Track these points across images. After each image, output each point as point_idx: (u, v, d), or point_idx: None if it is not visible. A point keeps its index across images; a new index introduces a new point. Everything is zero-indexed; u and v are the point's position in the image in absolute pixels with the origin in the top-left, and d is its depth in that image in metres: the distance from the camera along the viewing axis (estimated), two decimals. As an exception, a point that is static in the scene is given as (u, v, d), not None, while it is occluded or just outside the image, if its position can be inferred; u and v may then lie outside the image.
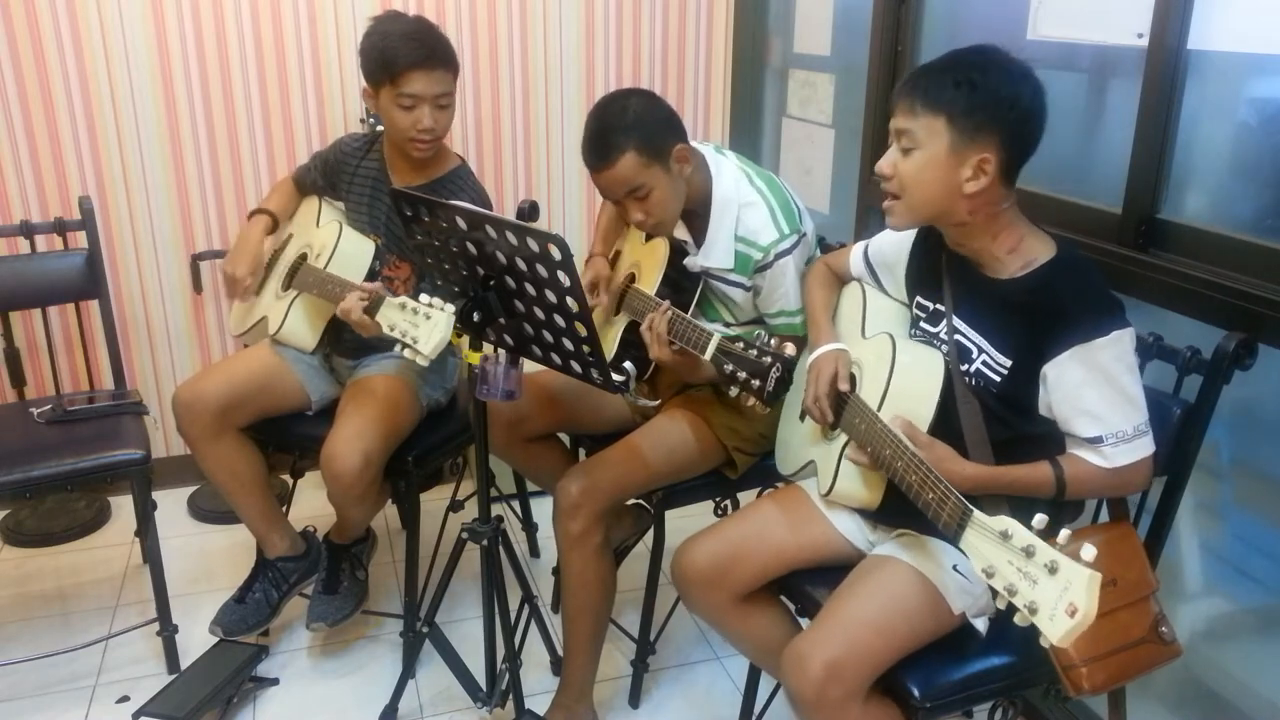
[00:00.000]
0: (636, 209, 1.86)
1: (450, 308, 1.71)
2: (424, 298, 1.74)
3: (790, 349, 1.56)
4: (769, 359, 1.55)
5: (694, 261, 1.96)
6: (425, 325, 1.72)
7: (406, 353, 1.74)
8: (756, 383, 1.56)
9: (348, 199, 2.28)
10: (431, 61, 2.03)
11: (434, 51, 2.04)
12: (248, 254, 2.25)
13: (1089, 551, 1.11)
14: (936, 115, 1.40)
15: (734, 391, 1.61)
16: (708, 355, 1.65)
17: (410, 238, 1.82)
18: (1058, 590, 1.11)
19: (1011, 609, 1.18)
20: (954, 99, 1.40)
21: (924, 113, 1.41)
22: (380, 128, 2.76)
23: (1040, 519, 1.18)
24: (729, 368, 1.60)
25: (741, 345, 1.60)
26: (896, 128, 1.45)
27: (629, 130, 1.79)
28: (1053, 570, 1.12)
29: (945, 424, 1.51)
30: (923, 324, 1.63)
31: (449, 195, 2.08)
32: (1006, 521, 1.21)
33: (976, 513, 1.27)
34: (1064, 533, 1.17)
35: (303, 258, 2.24)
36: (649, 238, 2.05)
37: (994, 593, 1.20)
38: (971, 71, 1.40)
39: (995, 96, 1.39)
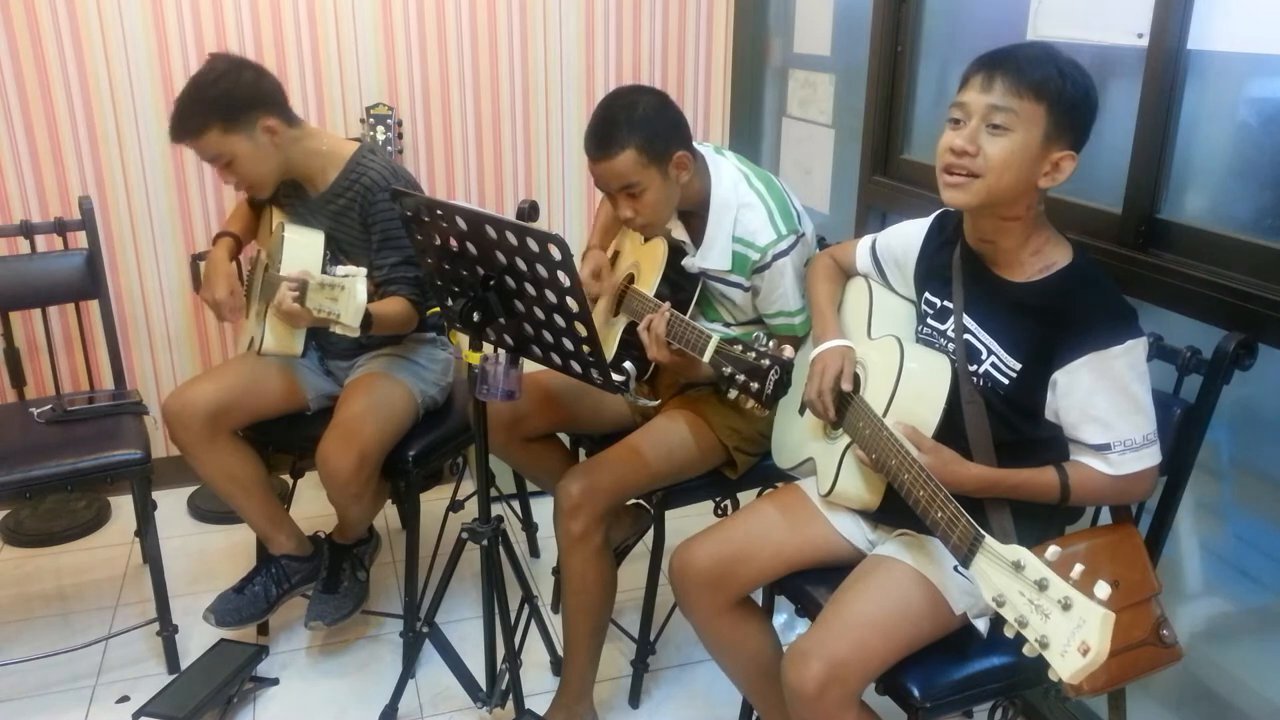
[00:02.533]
0: (627, 205, 1.86)
1: (361, 271, 1.74)
2: (339, 269, 1.76)
3: (789, 351, 1.56)
4: (767, 362, 1.55)
5: (691, 262, 1.96)
6: (343, 297, 1.75)
7: (337, 329, 1.77)
8: (755, 385, 1.56)
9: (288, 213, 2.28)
10: (177, 135, 2.03)
11: (174, 124, 2.02)
12: (219, 276, 2.20)
13: (1103, 589, 1.10)
14: (1039, 101, 1.36)
15: (732, 394, 1.61)
16: (706, 357, 1.65)
17: (410, 237, 1.82)
18: (1071, 627, 1.10)
19: (1020, 637, 1.17)
20: (1060, 89, 1.36)
21: (1028, 95, 1.36)
22: (373, 134, 2.77)
23: (1054, 551, 1.16)
24: (727, 370, 1.60)
25: (740, 348, 1.59)
26: (992, 104, 1.38)
27: (635, 127, 1.79)
28: (1066, 606, 1.11)
29: (949, 424, 1.50)
30: (930, 320, 1.62)
31: (356, 181, 2.11)
32: (1019, 551, 1.20)
33: (988, 539, 1.26)
34: (1053, 549, 1.16)
35: (266, 269, 2.24)
36: (648, 238, 2.06)
37: (1002, 621, 1.19)
38: (1068, 67, 1.37)
39: (1087, 97, 1.38)
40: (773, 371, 1.55)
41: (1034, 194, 1.42)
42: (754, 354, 1.57)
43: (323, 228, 2.19)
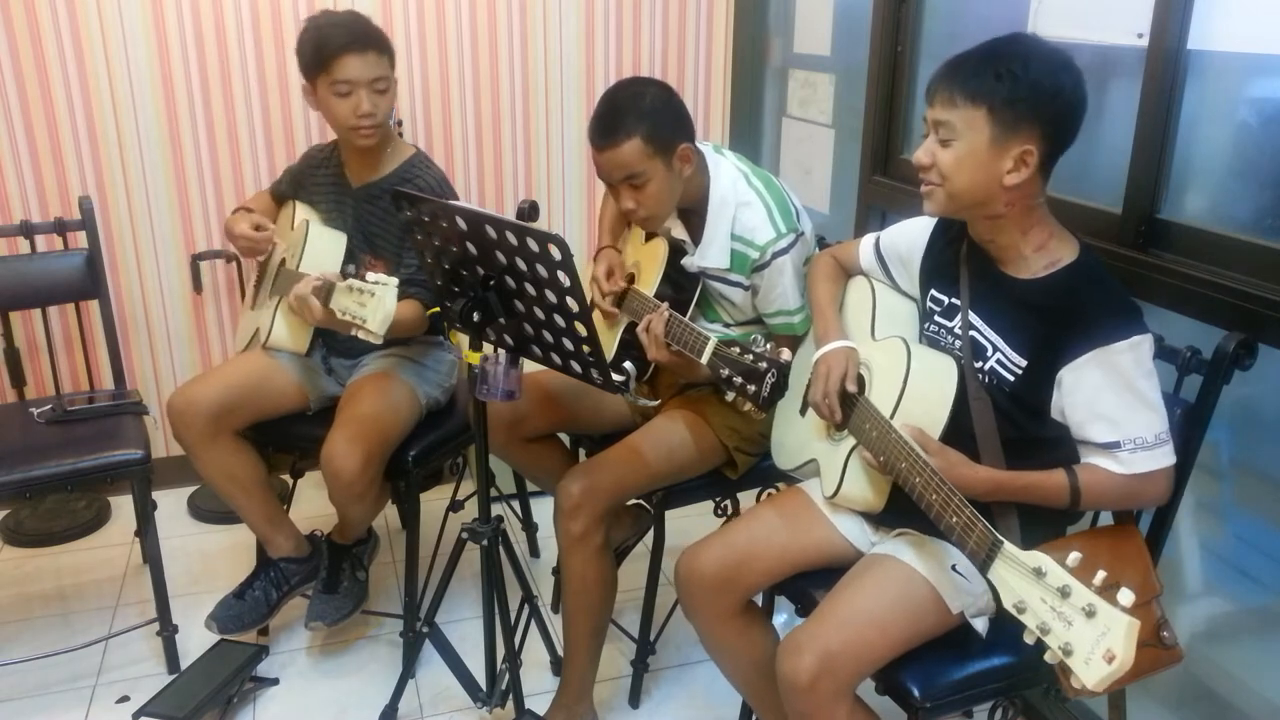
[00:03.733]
0: (629, 197, 1.86)
1: (394, 281, 1.74)
2: (370, 275, 1.76)
3: (785, 354, 1.56)
4: (764, 365, 1.55)
5: (691, 261, 1.96)
6: (371, 303, 1.75)
7: (360, 334, 1.77)
8: (751, 388, 1.56)
9: (317, 206, 2.30)
10: (361, 44, 2.02)
11: (362, 35, 2.03)
12: (240, 219, 2.25)
13: (1127, 596, 1.09)
14: (977, 107, 1.38)
15: (730, 396, 1.61)
16: (704, 359, 1.65)
17: (410, 237, 1.82)
18: (1095, 634, 1.10)
19: (1041, 644, 1.17)
20: (995, 90, 1.37)
21: (964, 104, 1.39)
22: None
23: (1075, 557, 1.16)
24: (725, 372, 1.60)
25: (738, 350, 1.59)
26: (935, 119, 1.43)
27: (641, 117, 1.79)
28: (1090, 614, 1.11)
29: (956, 423, 1.50)
30: (936, 317, 1.62)
31: (408, 182, 2.12)
32: (1040, 558, 1.19)
33: (1007, 544, 1.26)
34: (1074, 554, 1.16)
35: (283, 263, 2.25)
36: (649, 238, 2.05)
37: (1020, 625, 1.19)
38: (1012, 62, 1.38)
39: (1037, 87, 1.37)
40: (769, 375, 1.55)
41: (1007, 192, 1.42)
42: (751, 356, 1.57)
43: (349, 219, 2.20)
